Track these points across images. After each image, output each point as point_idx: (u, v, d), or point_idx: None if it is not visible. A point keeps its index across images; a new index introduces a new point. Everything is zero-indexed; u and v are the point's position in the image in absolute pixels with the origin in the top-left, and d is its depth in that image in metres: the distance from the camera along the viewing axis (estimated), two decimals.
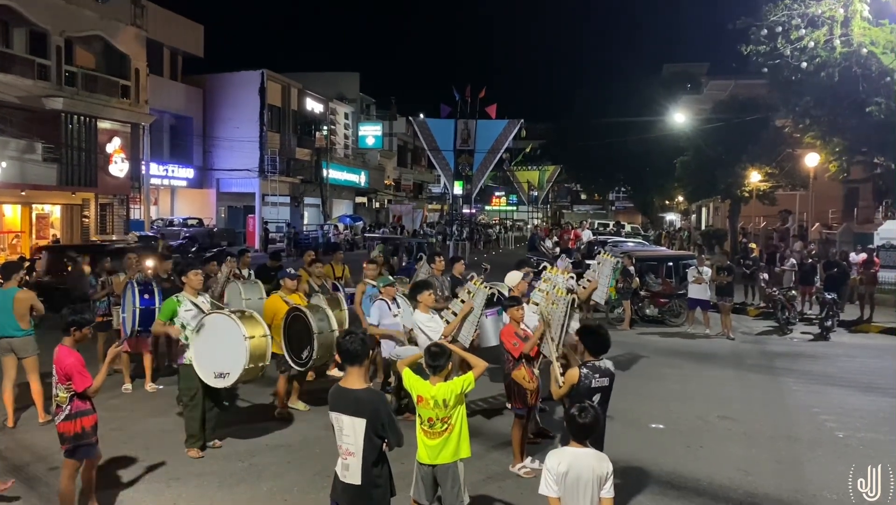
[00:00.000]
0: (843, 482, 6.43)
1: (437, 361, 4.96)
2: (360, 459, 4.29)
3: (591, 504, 4.06)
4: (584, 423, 4.17)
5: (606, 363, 5.32)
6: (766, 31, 17.55)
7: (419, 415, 5.00)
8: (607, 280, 9.71)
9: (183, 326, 7.07)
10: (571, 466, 4.08)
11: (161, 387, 9.63)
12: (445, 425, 4.89)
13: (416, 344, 7.57)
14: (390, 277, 8.91)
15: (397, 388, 8.17)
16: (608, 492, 4.09)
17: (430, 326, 7.46)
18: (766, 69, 18.66)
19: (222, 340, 6.83)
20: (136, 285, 9.01)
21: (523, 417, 6.79)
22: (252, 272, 11.49)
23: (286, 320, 7.90)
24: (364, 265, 10.08)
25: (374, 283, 9.25)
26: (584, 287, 9.34)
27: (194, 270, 7.49)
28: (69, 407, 5.38)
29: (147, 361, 9.62)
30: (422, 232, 49.42)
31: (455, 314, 7.47)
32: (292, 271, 8.88)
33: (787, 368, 11.97)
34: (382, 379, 8.84)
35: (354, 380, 4.40)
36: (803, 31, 16.74)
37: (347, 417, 4.32)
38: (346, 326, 8.59)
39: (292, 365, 8.00)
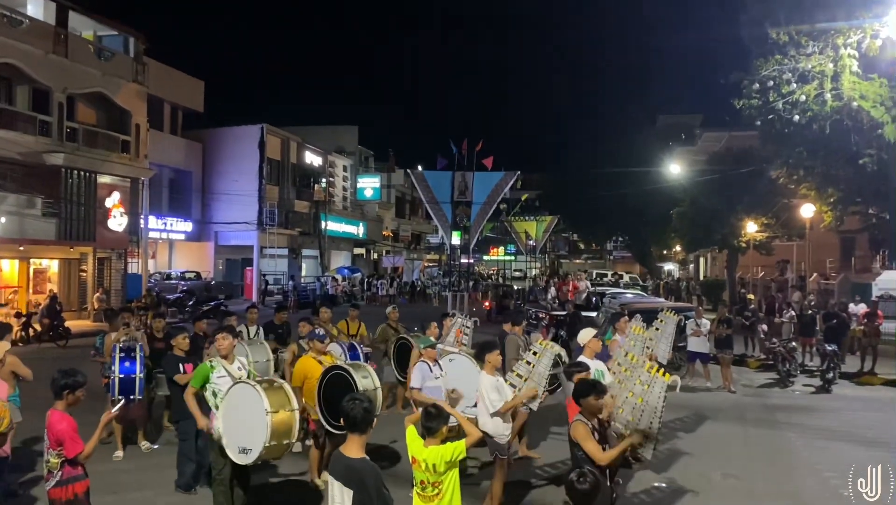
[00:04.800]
0: None
1: (431, 422, 4.88)
2: None
3: None
4: (585, 489, 4.10)
5: None
6: (757, 85, 17.83)
7: (413, 476, 4.94)
8: (670, 339, 9.42)
9: (214, 394, 6.67)
10: None
11: (156, 446, 9.48)
12: (436, 490, 4.81)
13: (475, 406, 7.16)
14: (431, 339, 8.47)
15: None
16: None
17: (493, 398, 6.93)
18: (758, 122, 18.91)
19: (246, 413, 6.29)
20: (118, 350, 8.70)
21: None
22: (260, 329, 11.07)
23: (322, 381, 7.47)
24: (432, 326, 9.67)
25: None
26: (647, 347, 8.90)
27: (223, 334, 7.02)
28: (60, 473, 5.26)
29: (140, 420, 9.36)
30: (422, 282, 49.46)
31: (520, 376, 7.09)
32: (321, 332, 8.48)
33: (789, 422, 11.84)
34: None
35: (352, 447, 4.33)
36: (794, 85, 17.01)
37: (338, 484, 4.27)
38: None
39: (329, 429, 7.45)
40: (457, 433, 7.50)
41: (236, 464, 6.41)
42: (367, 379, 7.42)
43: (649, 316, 16.04)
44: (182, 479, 7.84)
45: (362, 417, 4.31)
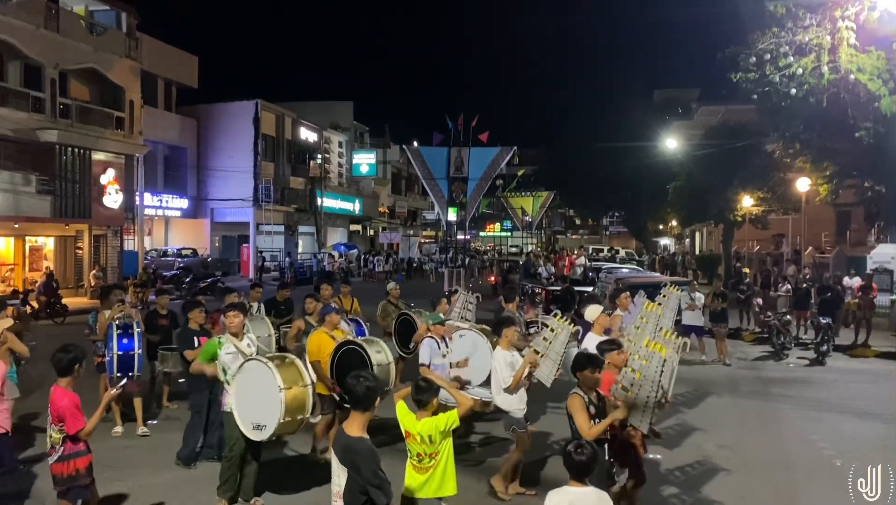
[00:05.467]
0: None
1: (422, 395, 4.94)
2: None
3: None
4: (582, 460, 4.13)
5: None
6: (754, 58, 17.73)
7: (409, 449, 4.99)
8: (672, 314, 9.27)
9: (224, 371, 6.65)
10: None
11: (155, 422, 9.54)
12: (433, 461, 4.87)
13: (489, 382, 7.09)
14: (440, 315, 8.38)
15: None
16: None
17: (505, 375, 6.86)
18: (755, 96, 18.83)
19: (259, 390, 6.32)
20: (115, 327, 8.71)
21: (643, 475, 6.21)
22: (262, 306, 11.16)
23: (335, 356, 7.45)
24: (442, 303, 9.56)
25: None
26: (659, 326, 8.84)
27: (234, 312, 6.93)
28: (62, 448, 5.31)
29: (137, 403, 9.22)
30: (420, 258, 49.55)
31: (537, 352, 6.99)
32: (335, 306, 8.47)
33: (783, 394, 11.96)
34: None
35: (353, 425, 4.34)
36: (791, 58, 16.91)
37: (337, 460, 4.31)
38: None
39: (344, 404, 7.32)
40: (482, 408, 7.53)
41: (249, 440, 6.45)
42: (380, 354, 7.45)
43: (647, 291, 16.12)
44: (185, 450, 7.86)
45: (364, 394, 4.32)
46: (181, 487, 7.26)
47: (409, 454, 4.98)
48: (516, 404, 6.87)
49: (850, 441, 9.13)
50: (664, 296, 9.48)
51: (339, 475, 4.34)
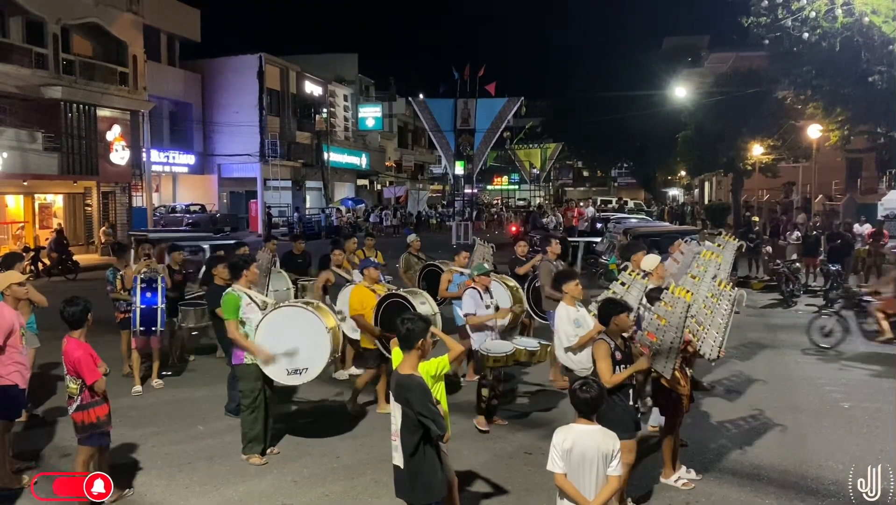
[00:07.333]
0: (848, 452, 6.48)
1: None
2: (401, 444, 4.40)
3: (597, 481, 4.08)
4: (587, 397, 4.18)
5: None
6: (766, 2, 17.39)
7: None
8: (728, 266, 9.10)
9: (242, 323, 6.58)
10: (576, 442, 4.11)
11: (169, 372, 9.69)
12: None
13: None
14: (486, 266, 8.10)
15: (491, 385, 7.64)
16: (614, 470, 4.11)
17: (568, 331, 6.66)
18: (766, 41, 18.51)
19: (297, 334, 6.46)
20: (139, 281, 8.80)
21: (675, 426, 6.18)
22: (278, 260, 11.06)
23: (378, 310, 7.51)
24: (461, 254, 9.57)
25: (462, 270, 8.83)
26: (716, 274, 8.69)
27: (256, 263, 7.09)
28: (80, 398, 5.41)
29: (156, 358, 9.27)
30: (426, 212, 49.52)
31: None
32: (375, 261, 8.50)
33: (791, 340, 12.00)
34: (479, 375, 7.73)
35: (404, 364, 4.49)
36: (804, 1, 16.58)
37: (393, 399, 4.49)
38: None
39: (388, 356, 7.40)
40: (527, 358, 7.47)
41: (269, 390, 6.66)
42: (424, 305, 7.56)
43: (657, 242, 16.03)
44: (234, 403, 7.82)
45: (404, 334, 4.48)
46: (197, 439, 7.40)
47: None
48: (584, 363, 6.44)
49: (858, 385, 9.20)
50: (720, 246, 9.34)
51: (396, 415, 4.44)
